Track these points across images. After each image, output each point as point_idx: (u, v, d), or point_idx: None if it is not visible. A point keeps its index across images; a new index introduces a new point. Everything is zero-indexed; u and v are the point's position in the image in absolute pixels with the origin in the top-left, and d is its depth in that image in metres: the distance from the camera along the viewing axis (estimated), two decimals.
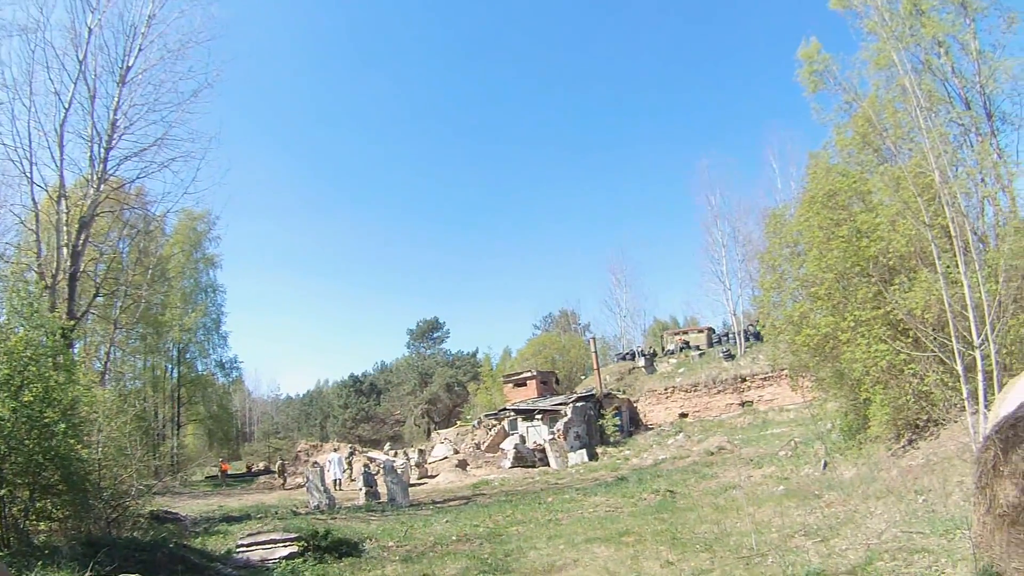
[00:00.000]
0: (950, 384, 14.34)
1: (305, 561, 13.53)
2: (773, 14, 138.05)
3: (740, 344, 51.03)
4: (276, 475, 45.70)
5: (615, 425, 42.66)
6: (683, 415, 45.94)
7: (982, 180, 14.73)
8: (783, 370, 38.18)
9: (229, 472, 49.89)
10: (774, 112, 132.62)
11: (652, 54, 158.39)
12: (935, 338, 13.47)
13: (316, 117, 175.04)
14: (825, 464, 19.65)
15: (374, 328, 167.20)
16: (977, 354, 12.23)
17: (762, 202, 55.10)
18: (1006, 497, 5.88)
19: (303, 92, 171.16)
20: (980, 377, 12.15)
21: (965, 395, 12.64)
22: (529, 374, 53.47)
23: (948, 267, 13.47)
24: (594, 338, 58.55)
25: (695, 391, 46.97)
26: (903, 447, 16.21)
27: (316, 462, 36.94)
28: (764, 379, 44.30)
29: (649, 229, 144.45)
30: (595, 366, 50.49)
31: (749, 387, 45.13)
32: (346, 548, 14.52)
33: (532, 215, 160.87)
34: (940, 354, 13.33)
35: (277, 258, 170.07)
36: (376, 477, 28.72)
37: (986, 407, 11.69)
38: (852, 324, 16.63)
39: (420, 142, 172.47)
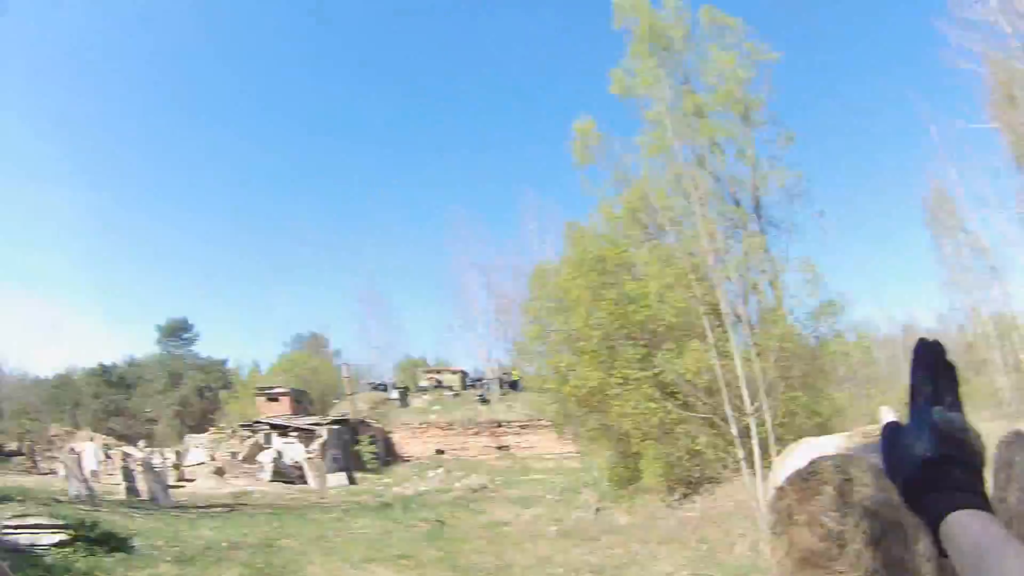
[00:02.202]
0: (721, 447, 15.47)
1: (75, 551, 12.69)
2: (551, 81, 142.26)
3: (495, 390, 51.80)
4: (26, 457, 43.08)
5: (372, 452, 42.07)
6: (440, 451, 45.98)
7: (748, 269, 16.07)
8: (541, 420, 39.47)
9: None
10: (528, 178, 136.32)
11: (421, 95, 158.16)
12: (705, 403, 14.50)
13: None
14: (598, 509, 20.35)
15: (122, 319, 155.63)
16: (752, 421, 13.31)
17: (514, 260, 56.27)
18: (803, 542, 6.64)
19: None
20: (755, 442, 13.22)
21: (741, 456, 13.70)
22: (283, 390, 51.94)
23: (718, 341, 14.61)
24: (347, 364, 57.81)
25: (451, 429, 47.19)
26: (678, 500, 17.24)
27: (73, 448, 34.39)
28: (522, 426, 45.07)
29: (402, 263, 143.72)
30: (348, 392, 49.95)
31: (506, 432, 45.73)
32: (116, 542, 13.72)
33: (285, 229, 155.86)
34: (713, 418, 14.36)
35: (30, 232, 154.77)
36: (135, 473, 27.28)
37: (763, 468, 12.79)
38: (621, 380, 17.44)
39: (178, 129, 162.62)
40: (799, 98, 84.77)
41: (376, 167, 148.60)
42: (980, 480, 0.97)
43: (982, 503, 0.93)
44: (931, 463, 0.95)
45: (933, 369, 1.03)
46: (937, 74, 71.01)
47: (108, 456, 38.31)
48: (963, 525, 0.89)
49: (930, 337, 1.06)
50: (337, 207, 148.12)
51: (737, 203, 18.58)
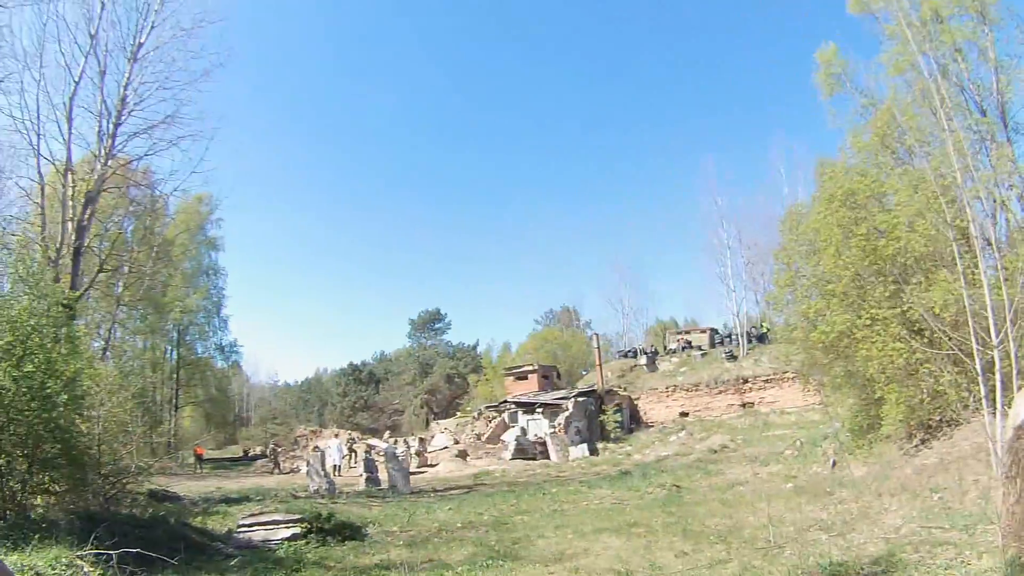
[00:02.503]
0: (964, 385, 14.23)
1: (308, 543, 13.36)
2: (784, 18, 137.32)
3: (743, 346, 50.73)
4: (269, 460, 45.07)
5: (616, 421, 42.55)
6: (684, 414, 45.69)
7: (996, 185, 14.60)
8: (785, 372, 38.35)
9: (204, 456, 48.67)
10: (781, 121, 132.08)
11: (660, 54, 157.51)
12: (952, 338, 13.29)
13: (321, 105, 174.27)
14: (834, 462, 19.55)
15: (374, 318, 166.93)
16: (995, 354, 12.07)
17: (767, 207, 55.01)
18: None
19: (309, 79, 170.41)
20: (998, 377, 12.01)
21: (983, 394, 12.46)
22: (531, 367, 53.33)
23: (967, 268, 13.31)
24: (596, 334, 58.40)
25: (696, 391, 46.72)
26: (915, 446, 16.13)
27: (317, 446, 36.83)
28: (766, 381, 44.07)
29: (653, 228, 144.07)
30: (597, 362, 50.32)
31: (751, 389, 44.90)
32: (349, 531, 14.29)
33: (536, 211, 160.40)
34: (959, 353, 13.16)
35: (278, 244, 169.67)
36: (377, 464, 28.58)
37: (1004, 406, 11.58)
38: (868, 322, 16.51)
39: (426, 136, 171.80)
40: None
41: (619, 128, 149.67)
42: None
43: None
44: None
45: None
46: None
47: (353, 450, 40.49)
48: None
49: None
50: (581, 175, 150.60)
51: (984, 112, 17.05)
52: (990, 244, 13.83)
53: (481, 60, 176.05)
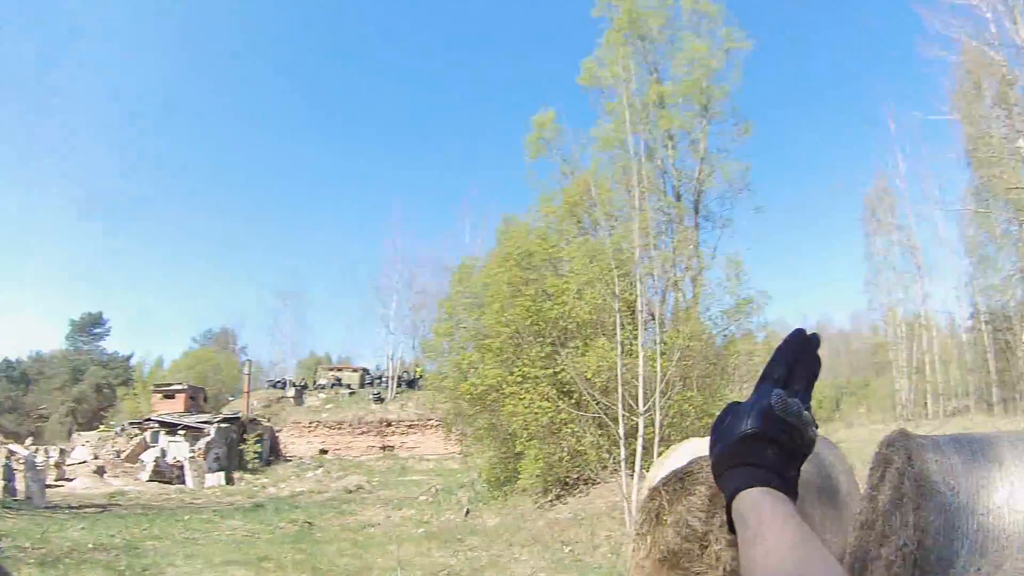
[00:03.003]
0: (605, 447, 15.11)
1: None
2: (510, 68, 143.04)
3: (391, 389, 51.28)
4: None
5: (256, 452, 41.35)
6: (324, 451, 45.25)
7: (673, 266, 15.84)
8: (430, 419, 39.41)
9: None
10: (476, 173, 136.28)
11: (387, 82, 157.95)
12: (599, 402, 14.08)
13: None
14: (468, 511, 19.93)
15: (38, 312, 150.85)
16: (640, 420, 12.98)
17: (445, 256, 56.56)
18: (666, 543, 6.19)
19: None
20: (639, 442, 12.89)
21: (623, 456, 13.25)
22: (180, 387, 50.96)
23: (625, 339, 14.20)
24: (249, 361, 56.64)
25: (340, 429, 46.49)
26: (551, 501, 16.86)
27: None
28: (409, 426, 44.79)
29: (325, 259, 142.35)
30: (245, 389, 49.03)
31: (394, 432, 45.38)
32: None
33: (211, 225, 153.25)
34: (604, 416, 13.93)
35: None
36: (15, 472, 26.01)
37: (642, 468, 12.35)
38: (519, 379, 17.16)
39: (104, 130, 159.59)
40: (757, 86, 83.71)
41: (305, 158, 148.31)
42: (795, 467, 0.96)
43: (785, 487, 0.91)
44: (749, 438, 0.92)
45: (796, 356, 0.98)
46: (904, 65, 73.20)
47: None
48: (755, 501, 0.88)
49: (812, 331, 1.01)
50: (263, 199, 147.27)
51: (678, 197, 18.77)
52: (654, 319, 14.86)
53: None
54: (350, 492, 31.64)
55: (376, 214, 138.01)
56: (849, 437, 21.89)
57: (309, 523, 20.42)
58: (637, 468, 12.64)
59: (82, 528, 17.83)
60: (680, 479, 4.89)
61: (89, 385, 74.67)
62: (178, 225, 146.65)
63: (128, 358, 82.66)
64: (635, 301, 14.63)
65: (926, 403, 35.11)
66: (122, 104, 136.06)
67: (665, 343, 14.01)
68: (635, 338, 14.21)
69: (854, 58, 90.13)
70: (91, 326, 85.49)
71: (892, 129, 36.60)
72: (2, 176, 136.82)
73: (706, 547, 4.42)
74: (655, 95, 18.05)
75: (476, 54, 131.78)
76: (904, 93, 67.91)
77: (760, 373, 1.00)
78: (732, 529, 0.90)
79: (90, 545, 15.24)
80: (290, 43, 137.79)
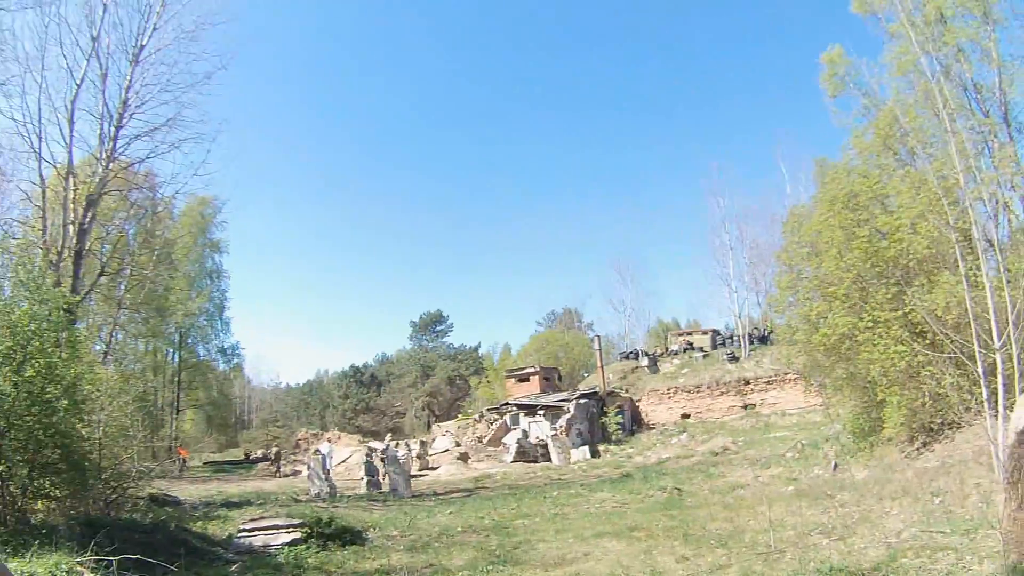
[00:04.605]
0: (966, 388, 14.20)
1: (308, 548, 13.31)
2: (788, 17, 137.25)
3: (744, 347, 50.65)
4: (271, 463, 44.85)
5: (618, 423, 42.43)
6: (685, 416, 45.63)
7: (999, 186, 14.59)
8: (787, 374, 38.41)
9: (186, 459, 47.75)
10: (784, 120, 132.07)
11: (665, 54, 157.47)
12: (953, 341, 13.25)
13: (320, 107, 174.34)
14: (836, 465, 19.47)
15: (376, 320, 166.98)
16: (998, 357, 12.02)
17: (770, 207, 55.22)
18: None
19: (309, 82, 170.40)
20: (1000, 380, 11.95)
21: (985, 397, 12.43)
22: (532, 369, 53.21)
23: (969, 270, 13.28)
24: (598, 336, 58.43)
25: (698, 392, 46.65)
26: (917, 449, 16.08)
27: (318, 449, 36.85)
28: (767, 382, 44.05)
29: (656, 229, 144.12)
30: (599, 364, 50.26)
31: (752, 390, 44.83)
32: (349, 536, 14.25)
33: (539, 213, 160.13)
34: (961, 356, 13.12)
35: (281, 247, 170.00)
36: (377, 467, 28.54)
37: (1005, 410, 11.52)
38: (870, 324, 16.45)
39: (427, 137, 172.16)
40: None
41: (623, 130, 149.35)
42: None
43: None
44: None
45: None
46: None
47: (358, 454, 40.34)
48: None
49: None
50: (585, 177, 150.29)
51: (986, 113, 17.08)
52: (992, 246, 13.78)
53: (491, 54, 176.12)
54: (716, 454, 31.72)
55: (692, 174, 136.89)
56: None
57: (678, 489, 20.68)
58: (1001, 409, 11.70)
59: (450, 513, 18.94)
60: None
61: (440, 378, 79.90)
62: (503, 218, 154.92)
63: (475, 349, 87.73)
64: (970, 229, 13.56)
65: None
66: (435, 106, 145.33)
67: (1009, 270, 12.92)
68: (978, 269, 13.17)
69: None
70: (433, 324, 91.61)
71: None
72: (326, 190, 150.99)
73: None
74: (932, 10, 16.59)
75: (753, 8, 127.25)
76: None
77: None
78: None
79: (459, 528, 16.08)
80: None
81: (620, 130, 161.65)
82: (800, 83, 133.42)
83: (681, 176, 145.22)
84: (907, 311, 15.62)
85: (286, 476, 39.63)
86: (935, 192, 14.08)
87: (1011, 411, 10.28)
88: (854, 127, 19.68)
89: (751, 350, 50.07)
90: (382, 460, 29.69)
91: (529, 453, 37.30)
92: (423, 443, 44.18)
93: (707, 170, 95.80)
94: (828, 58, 19.73)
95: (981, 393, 12.61)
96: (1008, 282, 12.26)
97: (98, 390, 14.98)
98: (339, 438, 46.32)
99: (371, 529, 15.90)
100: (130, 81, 24.81)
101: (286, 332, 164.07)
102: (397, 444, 44.67)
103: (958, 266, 13.39)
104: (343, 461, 37.18)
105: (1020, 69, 16.97)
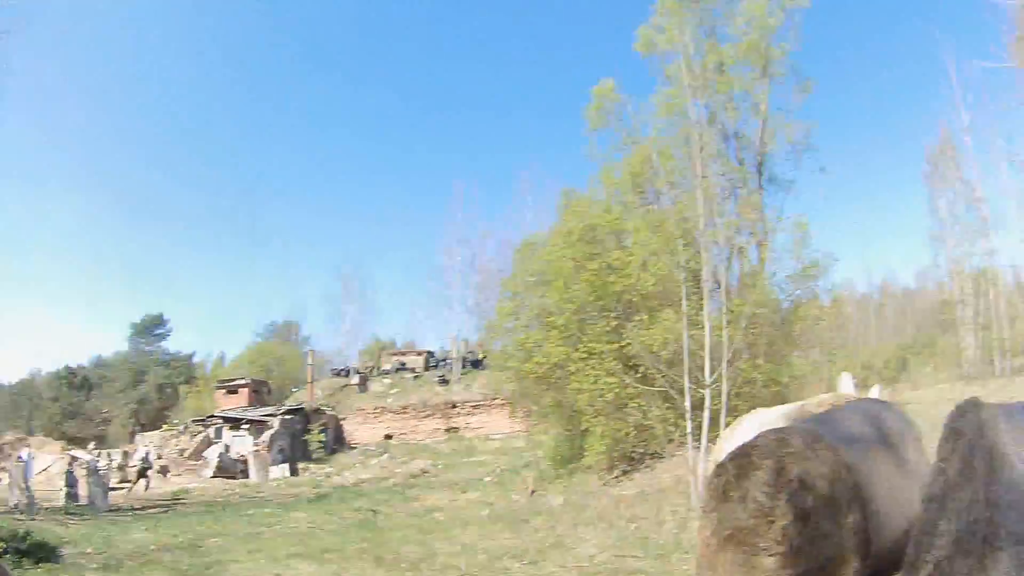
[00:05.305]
0: (672, 420, 14.90)
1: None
2: (562, 49, 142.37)
3: (457, 370, 51.25)
4: None
5: (320, 442, 41.68)
6: (388, 436, 45.42)
7: (737, 232, 15.50)
8: (495, 399, 39.26)
9: None
10: (534, 148, 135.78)
11: (425, 68, 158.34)
12: (665, 375, 13.84)
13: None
14: (533, 491, 19.79)
15: (97, 318, 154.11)
16: (707, 392, 12.70)
17: (507, 233, 56.09)
18: (735, 520, 6.03)
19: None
20: (706, 415, 12.61)
21: (689, 430, 13.04)
22: (243, 381, 51.60)
23: (691, 309, 13.89)
24: (311, 351, 57.48)
25: (404, 413, 46.60)
26: (616, 478, 16.70)
27: (20, 456, 33.56)
28: (474, 407, 44.66)
29: (388, 245, 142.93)
30: (308, 380, 49.65)
31: (459, 413, 45.33)
32: (44, 553, 13.12)
33: (271, 215, 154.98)
34: (670, 390, 13.67)
35: None
36: (78, 478, 26.43)
37: (709, 442, 12.15)
38: (584, 355, 16.97)
39: (160, 125, 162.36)
40: (816, 44, 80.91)
41: (362, 145, 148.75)
42: None
43: None
44: None
45: None
46: (963, 11, 71.55)
47: (61, 462, 37.60)
48: None
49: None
50: (321, 189, 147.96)
51: (741, 162, 18.43)
52: (719, 286, 14.55)
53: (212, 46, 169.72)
54: (415, 477, 31.73)
55: (437, 199, 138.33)
56: (916, 399, 21.30)
57: (373, 511, 20.37)
58: (703, 441, 12.46)
59: (145, 529, 18.02)
60: (746, 453, 4.67)
61: (151, 386, 75.72)
62: (234, 221, 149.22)
63: (190, 356, 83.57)
64: (700, 270, 14.29)
65: (993, 360, 34.19)
66: (167, 102, 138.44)
67: (732, 311, 13.70)
68: (701, 308, 13.87)
69: (913, 8, 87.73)
70: (152, 327, 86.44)
71: (954, 80, 35.47)
72: (53, 181, 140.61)
73: (772, 523, 4.21)
74: (714, 58, 17.77)
75: (531, 28, 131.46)
76: (965, 42, 66.33)
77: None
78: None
79: (152, 546, 15.33)
80: (326, 27, 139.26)
81: (360, 142, 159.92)
82: (556, 110, 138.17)
83: (423, 192, 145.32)
84: (623, 344, 16.23)
85: None
86: (672, 232, 14.75)
87: (714, 444, 10.76)
88: (607, 162, 20.42)
89: (463, 373, 50.59)
90: (84, 470, 27.49)
91: (229, 468, 36.08)
92: (125, 453, 41.59)
93: (448, 191, 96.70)
94: (599, 91, 20.22)
95: (686, 426, 13.18)
96: (729, 322, 12.92)
97: None
98: (44, 444, 42.30)
99: (67, 545, 14.72)
100: None
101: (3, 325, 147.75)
102: (99, 453, 41.79)
103: (681, 304, 14.00)
104: (44, 469, 33.84)
105: (784, 124, 18.31)
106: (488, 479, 25.73)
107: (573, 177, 71.03)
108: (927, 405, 16.39)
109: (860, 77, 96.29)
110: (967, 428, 4.98)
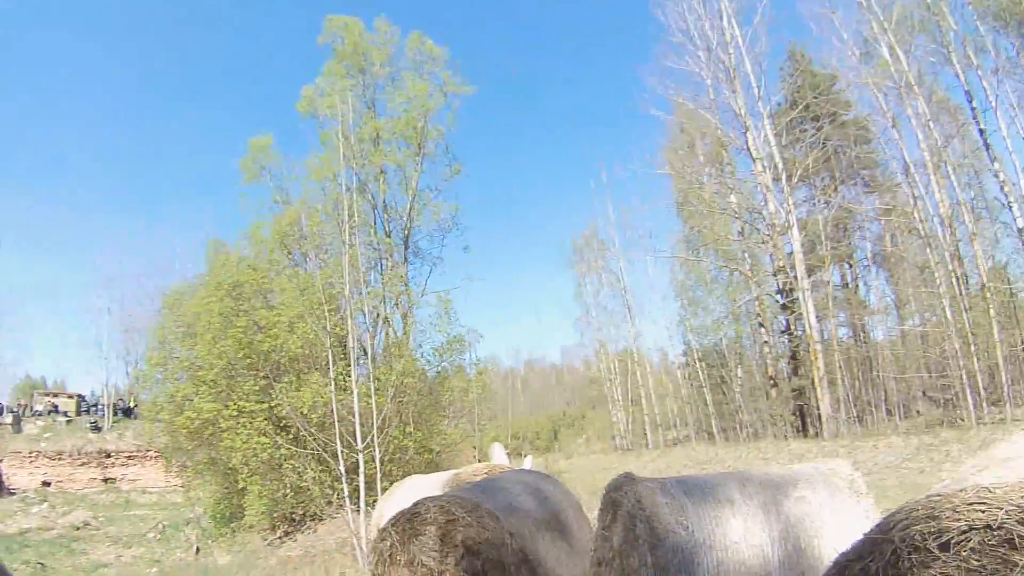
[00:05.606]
0: (328, 483, 15.26)
1: None
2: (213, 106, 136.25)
3: (108, 417, 48.46)
4: None
5: None
6: (46, 483, 42.04)
7: (383, 302, 16.18)
8: (149, 451, 37.66)
9: None
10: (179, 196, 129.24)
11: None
12: (317, 438, 14.21)
13: None
14: (198, 549, 19.54)
15: None
16: (360, 457, 13.15)
17: (154, 279, 53.58)
18: None
19: None
20: (361, 478, 13.07)
21: (347, 493, 13.40)
22: None
23: (339, 375, 14.41)
24: None
25: (60, 460, 43.33)
26: (279, 538, 16.80)
27: None
28: (129, 457, 42.35)
29: (37, 272, 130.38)
30: None
31: (114, 463, 42.81)
32: None
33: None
34: (323, 453, 14.08)
35: None
36: None
37: (367, 506, 12.79)
38: (235, 413, 17.00)
39: None
40: (483, 132, 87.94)
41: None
42: None
43: None
44: None
45: None
46: (624, 121, 77.98)
47: None
48: None
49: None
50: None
51: (388, 234, 19.14)
52: (365, 353, 15.12)
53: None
54: (78, 528, 29.92)
55: (88, 233, 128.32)
56: (571, 467, 23.33)
57: (42, 564, 19.51)
58: (362, 505, 12.92)
59: None
60: (409, 520, 5.48)
61: None
62: None
63: None
64: (346, 336, 14.84)
65: (645, 433, 37.96)
66: None
67: (379, 379, 14.31)
68: (348, 374, 14.41)
69: (576, 110, 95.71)
70: None
71: (604, 180, 40.10)
72: None
73: None
74: (371, 130, 18.42)
75: (207, 65, 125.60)
76: (622, 147, 74.80)
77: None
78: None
79: None
80: None
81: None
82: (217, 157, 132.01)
83: (66, 226, 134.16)
84: (273, 404, 16.44)
85: None
86: (318, 297, 15.12)
87: (371, 508, 11.36)
88: (257, 217, 20.61)
89: (115, 421, 47.68)
90: None
91: None
92: None
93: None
94: (256, 143, 20.43)
95: (343, 489, 13.61)
96: (376, 390, 13.56)
97: None
98: None
99: None
100: None
101: None
102: None
103: (328, 369, 14.42)
104: None
105: (432, 201, 19.29)
106: (151, 534, 24.82)
107: (227, 225, 68.91)
108: (583, 472, 18.06)
109: (522, 168, 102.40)
110: (624, 500, 5.87)
